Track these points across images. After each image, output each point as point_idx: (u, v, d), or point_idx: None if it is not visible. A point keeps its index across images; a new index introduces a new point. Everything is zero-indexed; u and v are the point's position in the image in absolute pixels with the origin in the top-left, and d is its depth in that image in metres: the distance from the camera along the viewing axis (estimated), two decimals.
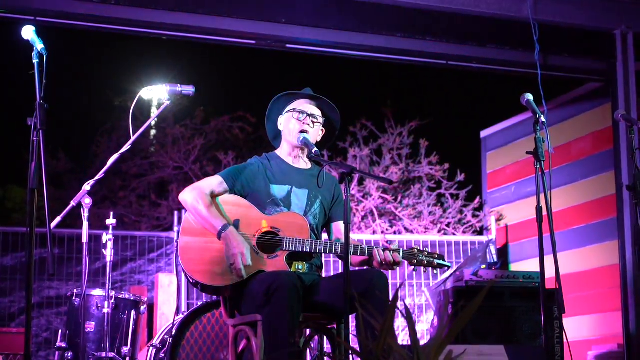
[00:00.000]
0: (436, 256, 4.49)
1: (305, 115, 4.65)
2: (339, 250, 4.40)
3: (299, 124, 4.64)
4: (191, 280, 4.39)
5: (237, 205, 4.50)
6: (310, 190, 4.63)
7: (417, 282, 9.20)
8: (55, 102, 4.06)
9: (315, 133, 4.70)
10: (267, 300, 4.09)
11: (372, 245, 4.47)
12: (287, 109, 4.71)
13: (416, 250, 4.47)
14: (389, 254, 4.38)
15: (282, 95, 4.73)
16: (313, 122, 4.67)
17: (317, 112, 4.71)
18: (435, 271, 4.50)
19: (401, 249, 4.43)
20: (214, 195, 4.50)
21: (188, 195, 4.48)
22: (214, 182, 4.55)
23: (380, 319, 2.88)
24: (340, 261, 4.78)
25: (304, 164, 4.75)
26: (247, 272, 4.29)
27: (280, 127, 4.76)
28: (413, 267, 4.47)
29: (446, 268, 4.51)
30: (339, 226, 4.71)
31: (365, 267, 4.55)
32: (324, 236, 4.76)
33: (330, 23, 6.96)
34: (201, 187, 4.52)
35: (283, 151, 4.75)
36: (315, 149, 4.49)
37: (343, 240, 4.54)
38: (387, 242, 4.49)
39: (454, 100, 14.90)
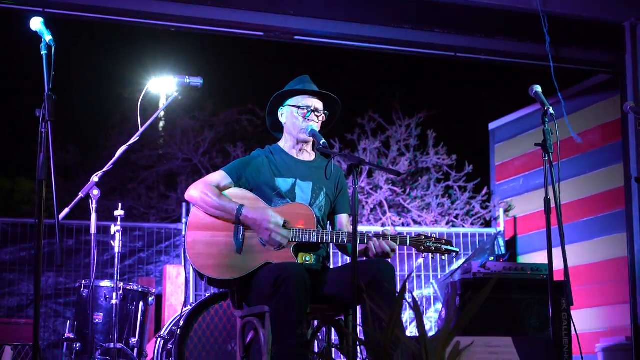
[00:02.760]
0: (443, 242, 4.49)
1: (310, 111, 4.64)
2: (345, 240, 4.40)
3: (304, 120, 4.63)
4: (199, 274, 4.41)
5: (243, 198, 4.49)
6: (315, 183, 4.63)
7: (424, 274, 9.20)
8: (64, 93, 4.06)
9: (320, 124, 4.70)
10: (275, 291, 4.09)
11: (380, 233, 4.47)
12: (290, 102, 4.69)
13: (423, 237, 4.48)
14: (384, 243, 4.38)
15: (284, 92, 4.70)
16: (317, 117, 4.67)
17: (320, 104, 4.69)
18: (443, 257, 4.50)
19: (398, 237, 4.42)
20: (219, 189, 4.50)
21: (194, 191, 4.49)
22: (218, 177, 4.56)
23: (387, 310, 2.89)
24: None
25: (307, 156, 4.73)
26: (284, 239, 4.35)
27: (281, 118, 4.74)
28: (421, 253, 4.47)
29: (454, 253, 4.51)
30: (341, 219, 4.72)
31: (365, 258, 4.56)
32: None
33: (338, 15, 6.94)
34: (206, 180, 4.54)
35: (286, 144, 4.74)
36: (323, 140, 4.47)
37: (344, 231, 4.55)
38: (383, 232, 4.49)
39: (463, 92, 14.88)
